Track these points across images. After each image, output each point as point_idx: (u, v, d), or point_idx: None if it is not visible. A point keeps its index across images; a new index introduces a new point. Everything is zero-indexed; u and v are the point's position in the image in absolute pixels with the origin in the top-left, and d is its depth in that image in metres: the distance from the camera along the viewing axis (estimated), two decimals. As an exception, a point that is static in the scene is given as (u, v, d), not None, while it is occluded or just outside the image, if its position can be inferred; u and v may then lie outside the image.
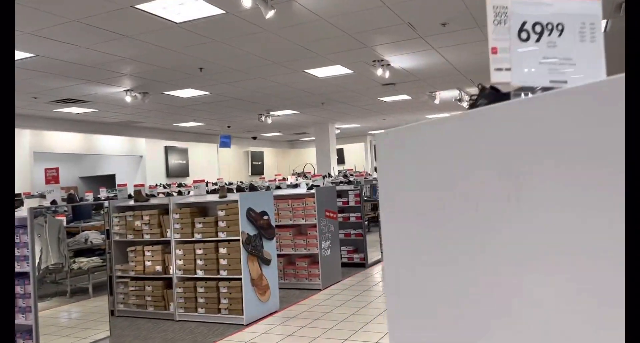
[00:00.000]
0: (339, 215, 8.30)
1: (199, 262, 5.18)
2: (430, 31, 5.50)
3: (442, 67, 7.37)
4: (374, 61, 6.65)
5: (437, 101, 9.40)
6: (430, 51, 6.39)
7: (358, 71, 7.28)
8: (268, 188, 7.49)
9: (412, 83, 8.46)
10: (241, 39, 5.41)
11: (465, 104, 9.52)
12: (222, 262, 5.07)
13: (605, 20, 5.51)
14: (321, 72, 7.28)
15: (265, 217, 5.38)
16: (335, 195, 7.72)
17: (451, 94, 9.45)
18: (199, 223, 5.23)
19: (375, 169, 17.01)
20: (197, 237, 5.23)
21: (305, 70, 7.09)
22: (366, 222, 8.59)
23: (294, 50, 5.99)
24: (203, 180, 5.80)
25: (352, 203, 8.56)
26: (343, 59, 6.56)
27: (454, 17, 5.07)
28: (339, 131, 14.80)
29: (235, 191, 6.21)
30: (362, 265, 8.44)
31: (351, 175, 10.96)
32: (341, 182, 9.35)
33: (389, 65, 6.90)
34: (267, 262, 5.34)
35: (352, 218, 8.57)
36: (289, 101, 9.56)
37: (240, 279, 4.99)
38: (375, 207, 8.90)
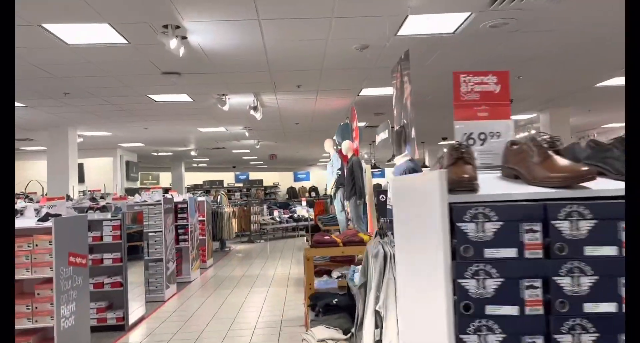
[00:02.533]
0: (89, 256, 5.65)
1: None
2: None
3: (253, 57, 5.62)
4: (166, 26, 4.48)
5: (226, 107, 7.59)
6: (252, 24, 4.58)
7: (135, 41, 4.94)
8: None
9: (203, 77, 6.47)
10: None
11: (258, 115, 7.94)
12: None
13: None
14: (72, 33, 4.69)
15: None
16: (86, 229, 5.14)
17: (244, 100, 7.77)
18: None
19: (126, 191, 13.99)
20: None
21: (43, 25, 4.42)
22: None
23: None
24: None
25: (108, 239, 5.99)
26: (115, 12, 4.20)
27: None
28: (82, 140, 11.53)
29: None
30: (121, 328, 5.95)
31: (101, 197, 8.17)
32: (90, 208, 6.63)
33: (185, 38, 4.80)
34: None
35: (108, 261, 5.99)
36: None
37: None
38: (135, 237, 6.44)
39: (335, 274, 5.78)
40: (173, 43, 4.45)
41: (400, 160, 4.08)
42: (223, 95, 7.44)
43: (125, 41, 4.86)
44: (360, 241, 5.71)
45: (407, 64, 4.23)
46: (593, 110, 11.06)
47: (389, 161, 14.94)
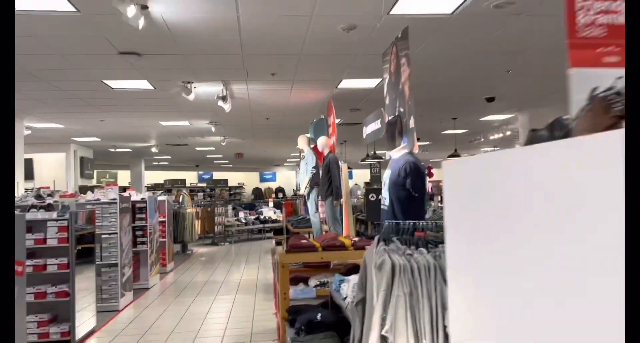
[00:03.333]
0: (28, 262, 4.95)
1: None
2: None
3: (225, 35, 4.98)
4: (124, -9, 3.79)
5: (191, 97, 6.90)
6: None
7: (86, 9, 4.23)
8: None
9: (166, 59, 5.78)
10: None
11: (227, 106, 7.29)
12: None
13: None
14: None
15: None
16: (24, 230, 4.40)
17: (212, 89, 7.09)
18: None
19: (80, 189, 13.00)
20: None
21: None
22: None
23: None
24: None
25: (53, 242, 5.26)
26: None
27: None
28: (29, 132, 10.55)
29: None
30: (66, 343, 5.22)
31: (49, 195, 7.36)
32: (33, 207, 5.87)
33: (145, 7, 4.12)
34: None
35: (52, 267, 5.26)
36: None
37: None
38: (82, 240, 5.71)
39: (312, 282, 5.19)
40: (131, 11, 3.77)
41: (397, 153, 3.54)
42: (189, 83, 6.75)
43: (74, 9, 4.14)
44: (341, 246, 5.14)
45: (406, 43, 3.70)
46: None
47: (362, 161, 14.49)
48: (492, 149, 19.80)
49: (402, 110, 3.78)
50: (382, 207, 3.59)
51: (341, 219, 7.28)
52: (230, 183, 26.48)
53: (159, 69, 6.14)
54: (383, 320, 2.35)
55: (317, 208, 7.50)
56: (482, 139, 14.19)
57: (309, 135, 8.49)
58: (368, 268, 2.66)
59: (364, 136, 4.75)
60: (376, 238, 2.58)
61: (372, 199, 5.18)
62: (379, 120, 3.95)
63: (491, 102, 8.69)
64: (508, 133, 12.78)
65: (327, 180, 7.02)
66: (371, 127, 4.26)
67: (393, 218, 3.42)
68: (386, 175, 3.53)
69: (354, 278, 3.40)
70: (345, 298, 3.40)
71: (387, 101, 4.25)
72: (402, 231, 2.59)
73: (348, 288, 3.34)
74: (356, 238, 5.56)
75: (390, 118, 4.00)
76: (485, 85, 7.74)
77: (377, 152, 12.42)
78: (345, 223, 7.56)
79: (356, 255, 5.17)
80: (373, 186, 23.24)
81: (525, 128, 10.35)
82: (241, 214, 16.54)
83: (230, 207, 17.07)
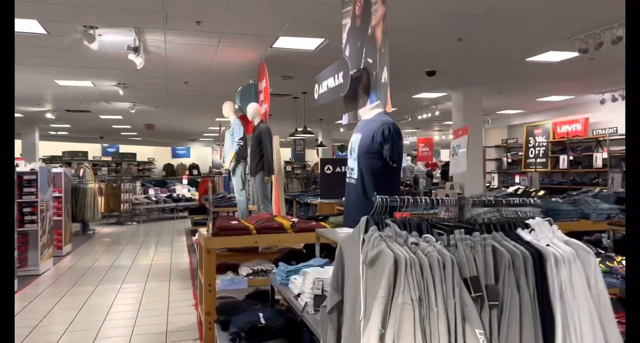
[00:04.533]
0: None
1: None
2: None
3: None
4: None
5: (94, 46, 5.71)
6: None
7: None
8: None
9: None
10: None
11: (139, 61, 6.17)
12: None
13: None
14: None
15: None
16: None
17: (121, 38, 5.92)
18: None
19: None
20: None
21: None
22: None
23: None
24: None
25: None
26: None
27: None
28: None
29: None
30: None
31: None
32: None
33: None
34: None
35: None
36: None
37: None
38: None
39: (244, 270, 4.39)
40: None
41: (368, 113, 2.82)
42: (92, 27, 5.56)
43: None
44: (279, 228, 4.39)
45: (379, -25, 2.96)
46: (502, 93, 10.81)
47: (291, 135, 13.66)
48: (413, 130, 19.82)
49: (370, 61, 3.05)
50: (348, 181, 2.87)
51: (271, 198, 6.51)
52: (139, 158, 24.63)
53: (54, 4, 4.91)
54: (382, 337, 1.64)
55: (243, 185, 6.66)
56: (409, 119, 13.93)
57: (236, 103, 7.56)
58: (349, 262, 1.94)
59: (317, 97, 3.97)
60: (363, 220, 1.85)
61: (328, 171, 4.47)
62: (341, 73, 3.20)
63: (431, 76, 8.24)
64: (437, 113, 12.59)
65: (257, 153, 6.19)
66: (328, 83, 3.50)
67: (363, 195, 2.72)
68: (354, 142, 2.81)
69: (313, 271, 2.66)
70: (298, 295, 2.66)
71: (346, 53, 3.50)
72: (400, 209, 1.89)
73: (304, 283, 2.61)
74: (295, 219, 4.83)
75: (352, 72, 3.26)
76: (429, 56, 7.24)
77: (307, 127, 11.68)
78: (276, 202, 6.80)
79: (296, 238, 4.45)
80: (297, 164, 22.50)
81: (459, 107, 10.09)
82: (151, 191, 15.23)
83: (138, 184, 15.69)
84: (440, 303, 1.64)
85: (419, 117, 13.41)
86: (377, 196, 1.86)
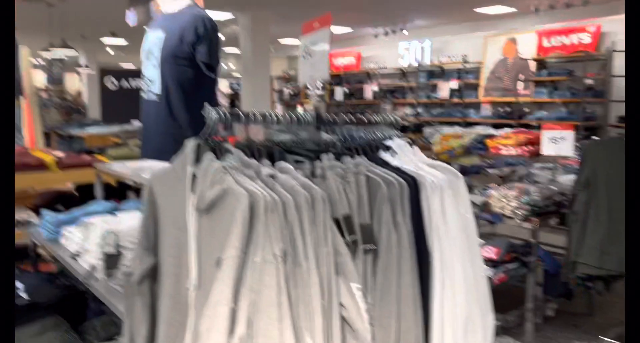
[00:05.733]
0: None
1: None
2: None
3: None
4: None
5: None
6: None
7: None
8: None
9: None
10: None
11: None
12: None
13: None
14: None
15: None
16: None
17: None
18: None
19: None
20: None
21: None
22: None
23: None
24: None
25: None
26: None
27: None
28: None
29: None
30: None
31: None
32: None
33: None
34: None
35: None
36: None
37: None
38: None
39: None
40: None
41: (171, 4, 2.09)
42: None
43: None
44: (38, 164, 3.38)
45: None
46: (288, 18, 10.56)
47: (44, 50, 11.21)
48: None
49: None
50: (146, 98, 2.13)
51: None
52: None
53: None
54: (233, 313, 1.14)
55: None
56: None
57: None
58: (166, 207, 1.35)
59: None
60: (191, 145, 1.26)
61: (113, 88, 3.39)
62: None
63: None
64: (223, 38, 11.80)
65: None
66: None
67: (168, 116, 2.05)
68: (152, 43, 2.07)
69: (100, 221, 1.95)
70: (77, 256, 1.93)
71: None
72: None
73: (88, 237, 1.89)
74: (61, 154, 3.81)
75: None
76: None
77: (67, 40, 9.71)
78: (30, 132, 5.44)
79: (64, 178, 3.50)
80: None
81: (248, 31, 9.54)
82: None
83: None
84: (310, 255, 1.20)
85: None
86: (210, 108, 1.27)
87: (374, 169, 1.44)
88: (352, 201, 1.33)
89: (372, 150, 1.61)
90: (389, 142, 1.72)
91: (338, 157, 1.41)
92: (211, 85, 2.03)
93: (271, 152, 1.36)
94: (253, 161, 1.25)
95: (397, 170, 1.50)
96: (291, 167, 1.30)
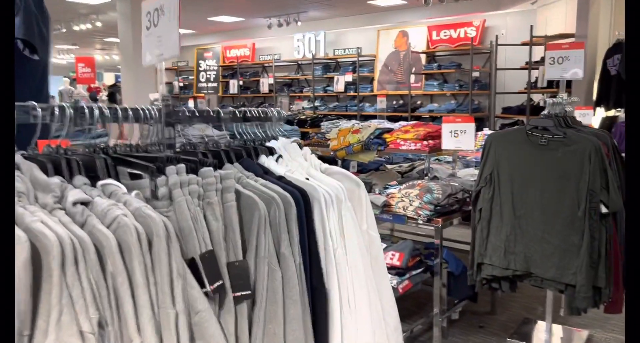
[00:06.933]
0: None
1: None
2: None
3: None
4: None
5: None
6: None
7: None
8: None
9: None
10: None
11: None
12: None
13: None
14: None
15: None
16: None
17: None
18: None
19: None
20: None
21: None
22: None
23: None
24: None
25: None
26: None
27: None
28: None
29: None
30: None
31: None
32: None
33: None
34: None
35: None
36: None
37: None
38: None
39: None
40: None
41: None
42: None
43: None
44: None
45: None
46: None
47: None
48: (70, 47, 16.93)
49: None
50: None
51: None
52: None
53: None
54: None
55: None
56: (64, 30, 11.56)
57: None
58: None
59: None
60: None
61: None
62: None
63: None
64: (99, 24, 10.75)
65: None
66: None
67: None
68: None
69: None
70: None
71: None
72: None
73: None
74: None
75: None
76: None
77: None
78: None
79: None
80: None
81: (127, 17, 8.66)
82: None
83: None
84: (146, 323, 0.79)
85: (76, 28, 11.26)
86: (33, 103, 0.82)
87: (248, 182, 1.06)
88: (216, 231, 0.94)
89: (249, 155, 1.23)
90: (272, 143, 1.35)
91: (196, 166, 1.01)
92: (35, 70, 1.52)
93: (91, 164, 0.92)
94: (54, 181, 0.81)
95: (282, 180, 1.13)
96: (120, 185, 0.88)
